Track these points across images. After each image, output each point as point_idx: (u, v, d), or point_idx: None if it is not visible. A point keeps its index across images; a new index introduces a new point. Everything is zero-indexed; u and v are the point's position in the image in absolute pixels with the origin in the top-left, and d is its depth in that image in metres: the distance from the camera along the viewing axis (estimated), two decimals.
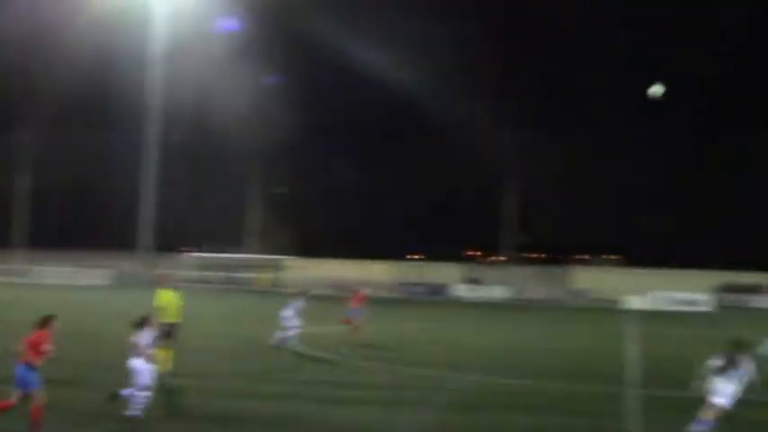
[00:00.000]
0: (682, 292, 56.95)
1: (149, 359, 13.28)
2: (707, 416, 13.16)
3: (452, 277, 66.30)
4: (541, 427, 14.48)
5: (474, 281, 66.08)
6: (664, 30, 74.89)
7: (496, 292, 61.80)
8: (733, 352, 13.50)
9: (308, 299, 24.43)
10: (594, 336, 32.82)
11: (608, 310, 51.56)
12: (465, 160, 76.37)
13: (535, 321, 40.08)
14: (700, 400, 13.16)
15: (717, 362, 13.40)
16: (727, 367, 13.32)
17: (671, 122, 69.62)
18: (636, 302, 55.34)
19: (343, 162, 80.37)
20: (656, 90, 15.87)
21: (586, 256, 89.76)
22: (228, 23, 64.72)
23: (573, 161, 73.16)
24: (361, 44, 66.63)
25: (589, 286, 62.67)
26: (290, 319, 23.14)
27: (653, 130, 71.51)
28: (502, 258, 78.06)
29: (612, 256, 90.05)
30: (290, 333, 23.10)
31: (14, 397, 11.82)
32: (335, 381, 18.34)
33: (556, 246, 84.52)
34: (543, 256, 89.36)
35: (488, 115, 70.01)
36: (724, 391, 13.20)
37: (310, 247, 73.01)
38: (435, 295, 61.31)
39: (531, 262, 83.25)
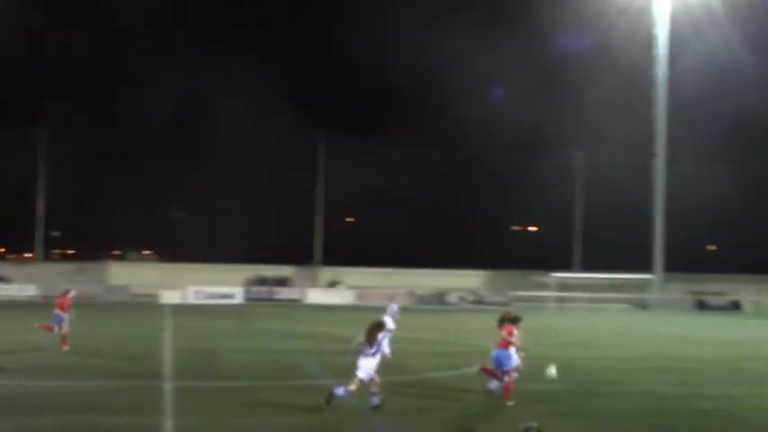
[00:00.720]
0: (216, 287, 59.25)
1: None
2: (352, 386, 15.51)
3: None
4: (76, 427, 14.33)
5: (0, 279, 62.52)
6: None
7: (25, 290, 58.99)
8: (374, 333, 15.76)
9: None
10: (133, 331, 32.93)
11: (147, 306, 51.98)
12: None
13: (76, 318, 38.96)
14: (229, 390, 14.06)
15: (361, 341, 15.78)
16: (369, 346, 15.65)
17: None
18: (172, 297, 56.41)
19: None
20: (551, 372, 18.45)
21: (121, 252, 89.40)
22: None
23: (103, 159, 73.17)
24: None
25: (127, 282, 62.45)
26: None
27: None
28: (29, 255, 75.03)
29: (148, 252, 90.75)
30: None
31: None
32: None
33: (90, 242, 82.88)
34: (75, 252, 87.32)
35: None
36: (365, 367, 15.55)
37: None
38: None
39: (65, 259, 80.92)
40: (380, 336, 15.95)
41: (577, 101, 70.33)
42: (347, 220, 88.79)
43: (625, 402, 18.19)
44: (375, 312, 21.05)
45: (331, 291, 65.01)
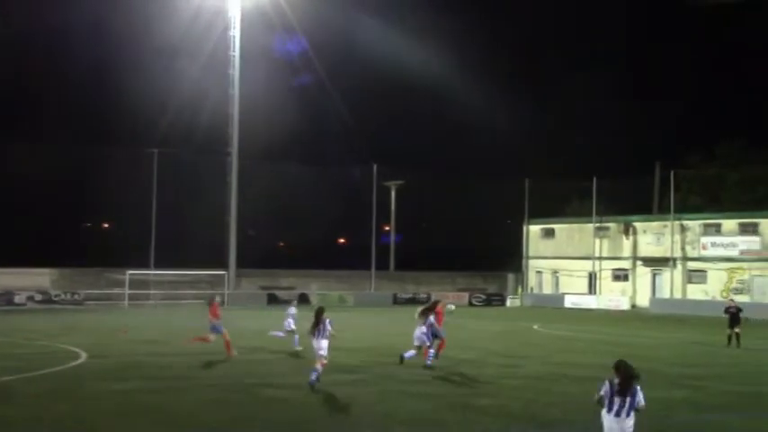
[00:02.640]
0: None
1: None
2: (317, 366, 19.87)
3: None
4: None
5: None
6: None
7: None
8: (318, 316, 20.42)
9: None
10: None
11: None
12: None
13: None
14: None
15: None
16: (316, 328, 20.40)
17: None
18: None
19: None
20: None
21: None
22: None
23: None
24: None
25: None
26: None
27: None
28: None
29: None
30: None
31: None
32: None
33: None
34: None
35: None
36: (320, 346, 20.20)
37: None
38: None
39: None
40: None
41: (155, 98, 70.17)
42: None
43: (193, 396, 18.64)
44: None
45: None
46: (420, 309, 25.95)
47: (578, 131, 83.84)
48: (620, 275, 69.85)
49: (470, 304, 66.64)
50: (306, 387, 19.48)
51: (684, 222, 65.85)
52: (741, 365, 27.20)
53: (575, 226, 72.98)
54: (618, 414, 11.43)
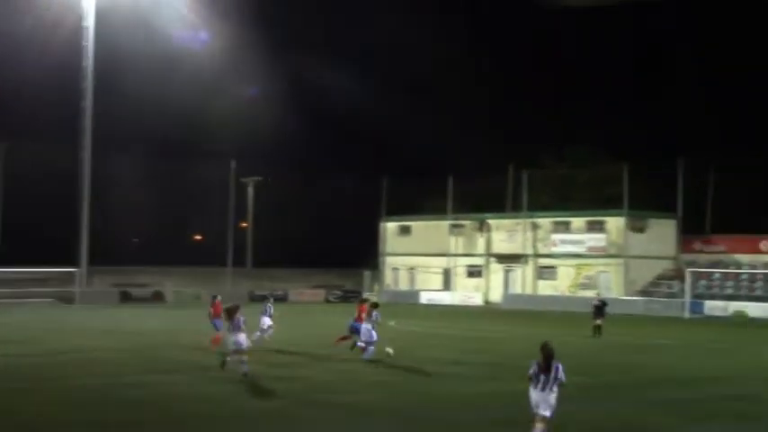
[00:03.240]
0: None
1: None
2: (244, 358, 21.49)
3: None
4: None
5: None
6: None
7: None
8: (232, 314, 22.34)
9: None
10: None
11: None
12: None
13: None
14: None
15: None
16: (231, 324, 22.10)
17: None
18: None
19: None
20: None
21: None
22: None
23: None
24: None
25: None
26: None
27: None
28: None
29: None
30: None
31: None
32: None
33: None
34: None
35: None
36: (237, 340, 21.63)
37: None
38: None
39: None
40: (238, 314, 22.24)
41: (5, 90, 67.43)
42: None
43: (53, 397, 18.11)
44: None
45: None
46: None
47: (436, 130, 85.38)
48: (474, 272, 71.51)
49: (327, 301, 66.87)
50: (142, 385, 19.24)
51: (536, 220, 68.02)
52: (582, 357, 28.38)
53: (431, 223, 74.22)
54: (543, 389, 13.43)
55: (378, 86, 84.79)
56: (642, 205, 63.59)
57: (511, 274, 69.31)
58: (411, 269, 75.02)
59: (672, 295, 58.01)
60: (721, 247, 62.29)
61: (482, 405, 18.53)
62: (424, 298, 68.73)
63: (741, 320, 50.29)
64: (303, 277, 74.26)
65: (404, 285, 75.08)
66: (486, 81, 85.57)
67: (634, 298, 58.08)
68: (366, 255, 77.56)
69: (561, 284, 65.28)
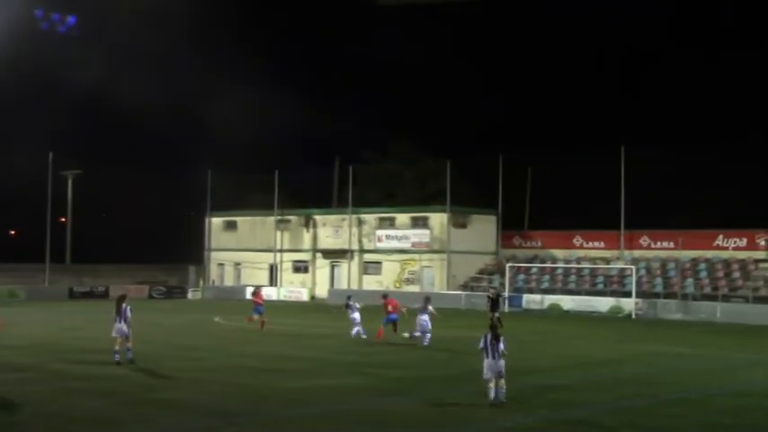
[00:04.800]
0: None
1: None
2: (128, 345, 23.18)
3: None
4: None
5: None
6: None
7: None
8: (119, 304, 23.54)
9: None
10: None
11: None
12: None
13: None
14: None
15: None
16: (118, 314, 23.13)
17: None
18: None
19: None
20: None
21: None
22: None
23: None
24: None
25: None
26: None
27: None
28: None
29: None
30: None
31: None
32: None
33: None
34: None
35: None
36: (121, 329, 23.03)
37: None
38: None
39: None
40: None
41: None
42: None
43: None
44: None
45: None
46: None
47: (261, 125, 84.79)
48: (300, 267, 71.53)
49: (150, 297, 65.27)
50: None
51: (362, 216, 68.73)
52: (410, 351, 28.90)
53: (257, 219, 73.70)
54: (494, 357, 17.58)
55: (198, 76, 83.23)
56: (464, 201, 65.36)
57: (337, 270, 69.78)
58: (237, 264, 74.28)
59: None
60: (538, 242, 64.95)
61: (307, 400, 18.52)
62: (250, 293, 68.18)
63: (556, 313, 52.59)
64: (126, 273, 72.08)
65: (229, 281, 74.28)
66: (313, 74, 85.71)
67: (457, 292, 59.62)
68: (191, 250, 76.20)
69: (386, 279, 66.25)
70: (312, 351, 28.77)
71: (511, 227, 66.55)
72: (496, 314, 37.01)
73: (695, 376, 24.14)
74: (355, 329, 32.18)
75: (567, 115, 77.71)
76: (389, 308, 31.59)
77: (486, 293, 40.36)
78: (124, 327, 23.48)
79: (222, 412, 16.79)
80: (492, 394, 17.59)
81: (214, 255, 75.66)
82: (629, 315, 50.87)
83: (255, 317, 36.02)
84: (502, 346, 17.76)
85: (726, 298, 51.65)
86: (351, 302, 33.04)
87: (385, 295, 33.61)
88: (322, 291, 68.33)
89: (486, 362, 17.67)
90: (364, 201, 71.33)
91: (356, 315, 32.43)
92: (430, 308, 30.23)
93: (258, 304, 36.26)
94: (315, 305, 61.69)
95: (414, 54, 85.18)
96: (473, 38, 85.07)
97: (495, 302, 38.53)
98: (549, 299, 54.94)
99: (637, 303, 51.47)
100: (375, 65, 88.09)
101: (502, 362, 17.65)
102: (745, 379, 23.70)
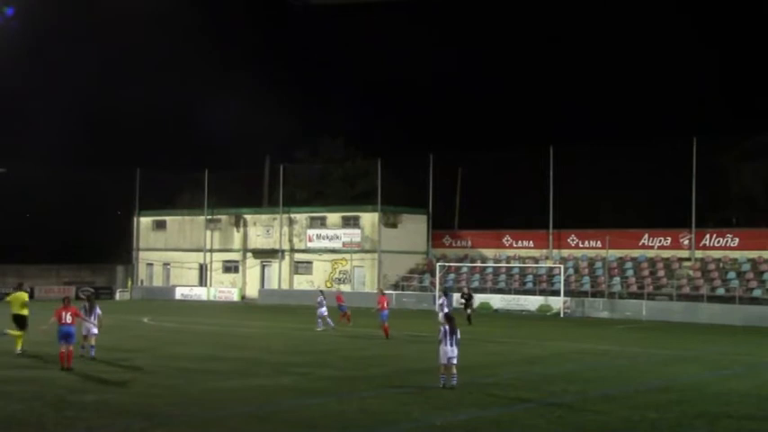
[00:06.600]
0: None
1: None
2: (92, 342, 24.99)
3: None
4: None
5: None
6: None
7: None
8: (90, 302, 25.27)
9: None
10: None
11: None
12: None
13: None
14: None
15: None
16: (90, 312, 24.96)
17: None
18: None
19: None
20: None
21: None
22: None
23: None
24: None
25: None
26: None
27: None
28: None
29: None
30: None
31: None
32: None
33: None
34: None
35: None
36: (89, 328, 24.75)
37: None
38: None
39: None
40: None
41: None
42: None
43: None
44: None
45: None
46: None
47: (191, 123, 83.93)
48: (230, 267, 70.94)
49: (78, 298, 64.00)
50: None
51: (293, 215, 68.44)
52: (340, 351, 28.87)
53: (186, 218, 72.90)
54: (451, 345, 19.85)
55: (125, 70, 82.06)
56: (395, 201, 65.57)
57: (267, 269, 69.38)
58: (166, 264, 73.35)
59: (423, 289, 60.29)
60: (468, 242, 65.45)
61: (237, 400, 18.36)
62: (179, 293, 67.51)
63: (486, 312, 53.04)
64: (52, 273, 70.61)
65: (158, 281, 73.31)
66: (246, 73, 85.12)
67: (388, 292, 59.71)
68: (119, 250, 75.00)
69: (317, 279, 66.08)
70: (242, 351, 28.54)
71: (441, 226, 66.97)
72: (468, 311, 42.24)
73: (621, 373, 24.59)
74: (320, 324, 36.80)
75: (497, 115, 78.54)
76: (384, 304, 33.92)
77: (461, 293, 46.04)
78: (93, 327, 25.15)
79: (149, 414, 16.54)
80: (443, 380, 19.95)
81: (143, 255, 74.61)
82: (558, 313, 51.62)
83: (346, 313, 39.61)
84: (458, 335, 20.16)
85: (651, 296, 52.77)
86: (321, 299, 37.70)
87: (381, 292, 37.89)
88: (252, 291, 67.90)
89: (442, 348, 19.86)
90: (295, 200, 71.05)
91: (323, 309, 36.96)
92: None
93: (341, 304, 39.96)
94: (245, 305, 61.23)
95: (344, 52, 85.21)
96: (403, 36, 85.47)
97: (467, 301, 43.57)
98: (480, 298, 55.39)
99: (565, 302, 52.25)
100: (305, 63, 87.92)
101: (456, 350, 19.91)
102: (668, 375, 24.20)
